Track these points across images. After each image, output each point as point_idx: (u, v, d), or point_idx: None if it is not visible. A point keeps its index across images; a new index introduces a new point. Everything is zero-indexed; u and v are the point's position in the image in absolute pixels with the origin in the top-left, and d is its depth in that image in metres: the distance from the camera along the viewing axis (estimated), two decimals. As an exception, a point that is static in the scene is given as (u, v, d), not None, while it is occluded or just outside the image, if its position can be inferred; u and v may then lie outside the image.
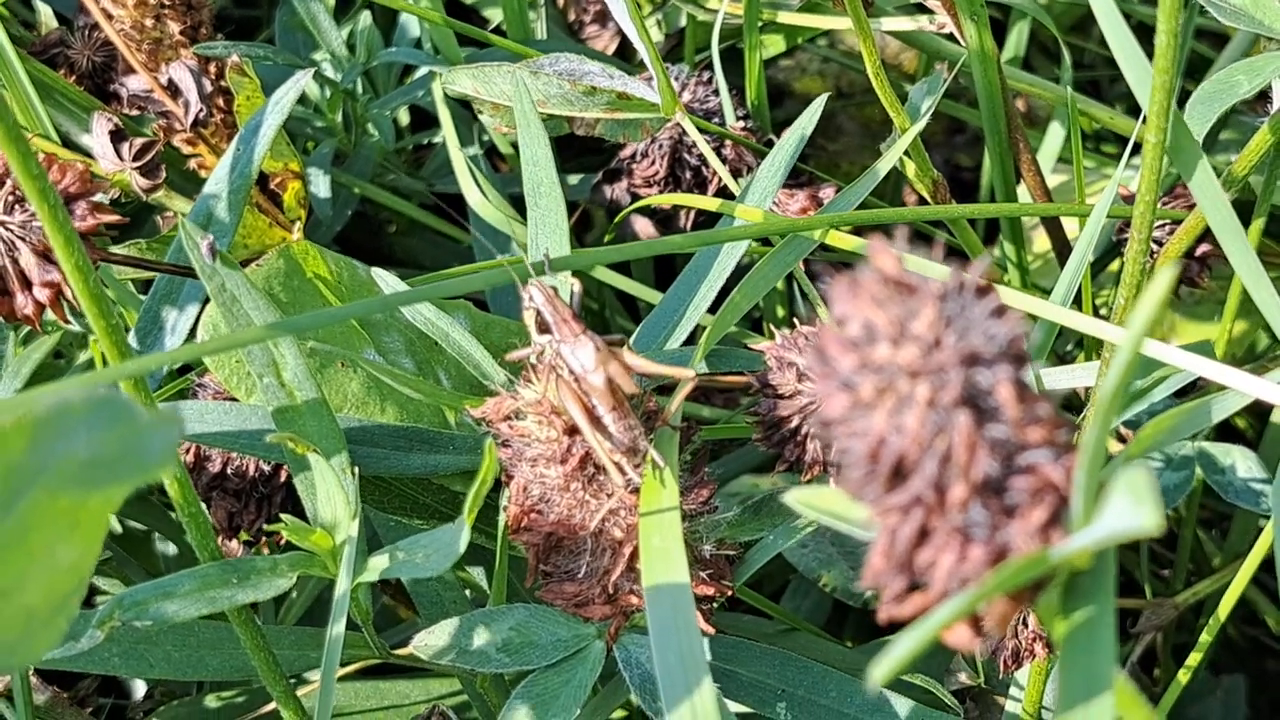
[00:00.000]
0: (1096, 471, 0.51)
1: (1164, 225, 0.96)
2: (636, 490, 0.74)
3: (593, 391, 0.72)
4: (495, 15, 1.24)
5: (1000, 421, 0.52)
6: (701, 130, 0.95)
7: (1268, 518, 0.97)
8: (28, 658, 0.54)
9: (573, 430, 0.74)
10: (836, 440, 0.55)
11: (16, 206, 0.77)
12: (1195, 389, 0.90)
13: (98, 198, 0.78)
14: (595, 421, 0.72)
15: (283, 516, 0.73)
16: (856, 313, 0.52)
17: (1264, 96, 0.89)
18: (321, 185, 1.06)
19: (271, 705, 0.97)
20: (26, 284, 0.77)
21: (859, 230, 0.83)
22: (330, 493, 0.73)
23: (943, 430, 0.51)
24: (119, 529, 1.08)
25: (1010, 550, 0.52)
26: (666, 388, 0.80)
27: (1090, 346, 1.03)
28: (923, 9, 0.99)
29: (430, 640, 0.77)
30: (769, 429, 0.78)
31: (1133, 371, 0.48)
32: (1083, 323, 0.75)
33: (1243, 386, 0.69)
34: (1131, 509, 0.47)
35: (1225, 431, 1.16)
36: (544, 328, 0.74)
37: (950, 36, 0.98)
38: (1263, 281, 0.71)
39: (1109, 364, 0.76)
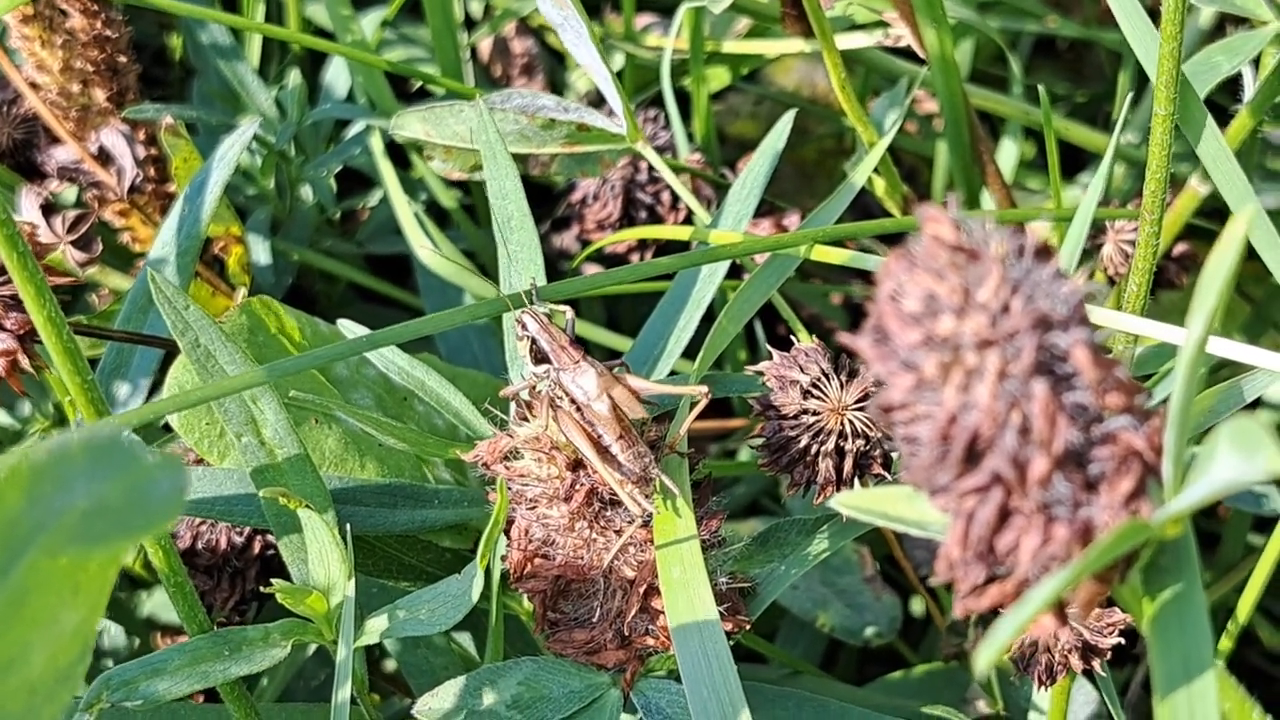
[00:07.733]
0: (1186, 433, 0.48)
1: (1136, 229, 0.94)
2: (648, 523, 0.69)
3: (598, 420, 0.68)
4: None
5: (1077, 388, 0.48)
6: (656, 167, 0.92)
7: (1268, 518, 0.95)
8: (31, 736, 0.50)
9: (575, 465, 0.69)
10: (898, 427, 0.51)
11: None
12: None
13: (46, 260, 0.74)
14: (602, 452, 0.68)
15: (273, 580, 0.68)
16: (915, 285, 0.49)
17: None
18: (262, 252, 1.01)
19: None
20: (-23, 355, 0.72)
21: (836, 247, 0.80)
22: (324, 551, 0.69)
23: (1017, 402, 0.48)
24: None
25: (1095, 527, 0.49)
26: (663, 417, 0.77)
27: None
28: (869, 26, 0.97)
29: (434, 703, 0.72)
30: (775, 452, 0.74)
31: (1215, 322, 0.45)
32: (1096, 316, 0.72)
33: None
34: (1242, 458, 0.44)
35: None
36: (539, 357, 0.70)
37: (905, 51, 0.95)
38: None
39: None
